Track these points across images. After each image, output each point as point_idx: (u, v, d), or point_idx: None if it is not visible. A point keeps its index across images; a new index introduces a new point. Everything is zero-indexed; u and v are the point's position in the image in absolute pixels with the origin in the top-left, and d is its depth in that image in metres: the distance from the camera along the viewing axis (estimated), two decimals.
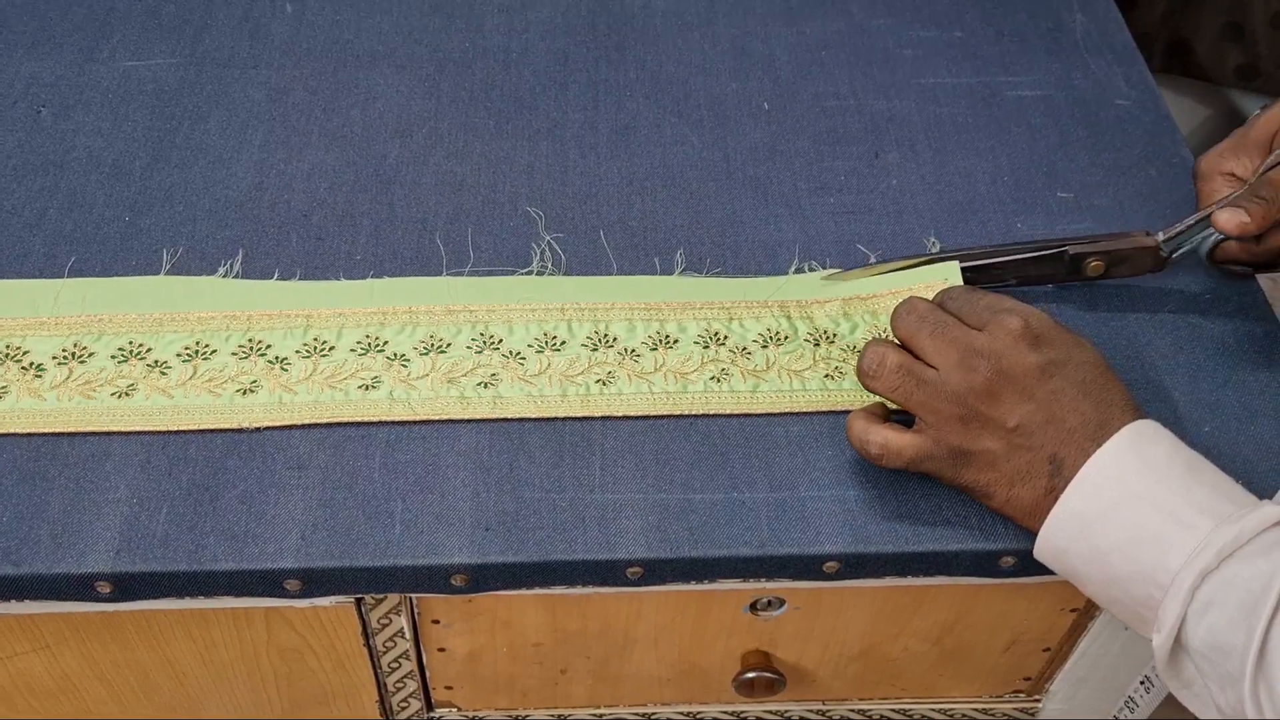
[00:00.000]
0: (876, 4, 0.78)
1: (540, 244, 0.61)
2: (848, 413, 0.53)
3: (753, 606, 0.58)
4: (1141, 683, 0.65)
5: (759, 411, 0.54)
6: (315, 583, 0.49)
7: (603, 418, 0.54)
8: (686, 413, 0.54)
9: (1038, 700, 0.67)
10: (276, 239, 0.61)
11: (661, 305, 0.57)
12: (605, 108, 0.70)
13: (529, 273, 0.60)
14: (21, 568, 0.48)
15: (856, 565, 0.51)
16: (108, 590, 0.49)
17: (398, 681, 0.61)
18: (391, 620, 0.56)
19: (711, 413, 0.54)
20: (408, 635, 0.57)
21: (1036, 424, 0.47)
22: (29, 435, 0.52)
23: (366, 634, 0.57)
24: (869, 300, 0.58)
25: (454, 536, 0.50)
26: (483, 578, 0.50)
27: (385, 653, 0.59)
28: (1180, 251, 0.58)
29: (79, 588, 0.49)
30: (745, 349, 0.56)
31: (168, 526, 0.50)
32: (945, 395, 0.49)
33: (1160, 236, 0.58)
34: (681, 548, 0.50)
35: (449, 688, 0.63)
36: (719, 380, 0.55)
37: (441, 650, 0.60)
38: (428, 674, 0.61)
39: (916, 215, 0.64)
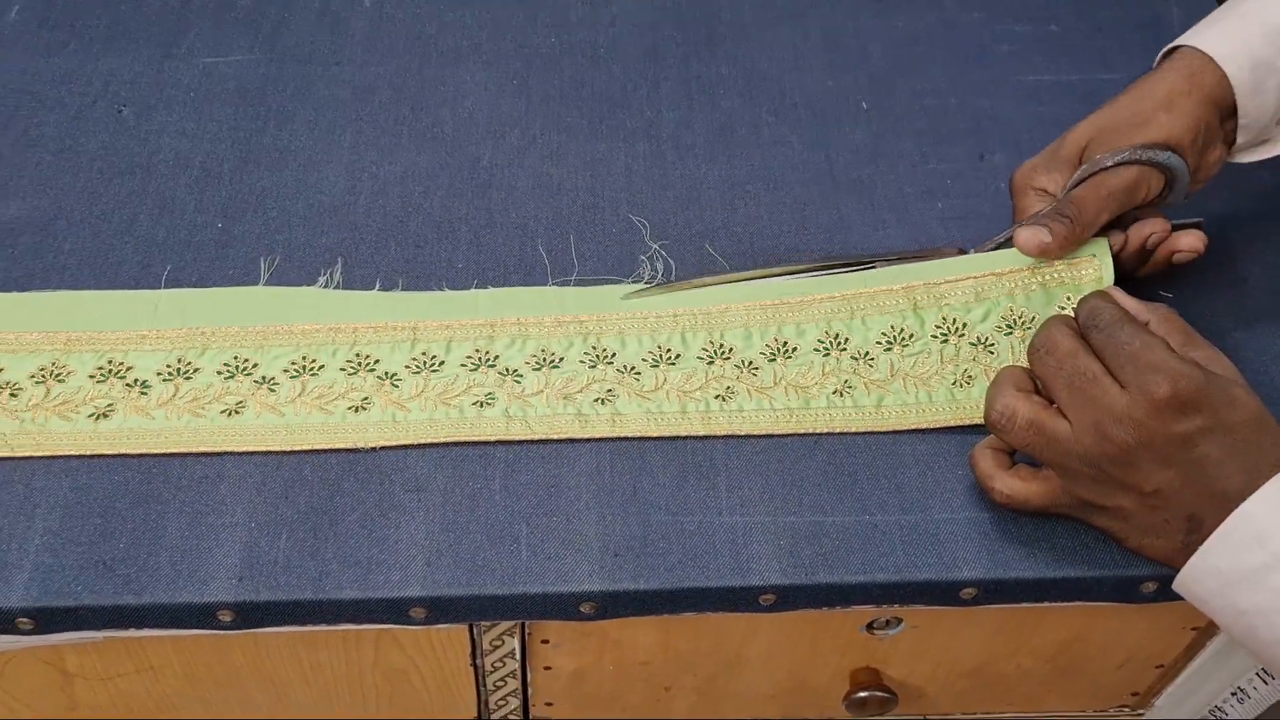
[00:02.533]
0: None
1: (646, 252, 0.60)
2: (976, 427, 0.51)
3: (869, 626, 0.56)
4: (1234, 693, 0.64)
5: (884, 429, 0.52)
6: (441, 611, 0.48)
7: (725, 436, 0.52)
8: (810, 431, 0.52)
9: (1141, 714, 0.66)
10: (375, 246, 0.59)
11: (779, 303, 0.55)
12: (700, 106, 0.68)
13: (637, 281, 0.58)
14: (143, 597, 0.47)
15: (995, 591, 0.49)
16: (229, 619, 0.47)
17: (500, 699, 0.60)
18: (504, 641, 0.55)
19: (836, 430, 0.52)
20: (517, 656, 0.56)
21: (1175, 488, 0.45)
22: (140, 456, 0.50)
23: (475, 654, 0.56)
24: (1004, 277, 0.54)
25: (583, 563, 0.48)
26: (613, 605, 0.48)
27: (492, 672, 0.58)
28: None
29: (201, 617, 0.47)
30: (868, 354, 0.53)
31: (289, 552, 0.48)
32: (1077, 455, 0.46)
33: (970, 253, 0.56)
34: (816, 573, 0.49)
35: (549, 704, 0.62)
36: (841, 394, 0.53)
37: (547, 669, 0.58)
38: (530, 691, 0.60)
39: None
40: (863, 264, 0.56)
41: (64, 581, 0.47)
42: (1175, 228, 0.54)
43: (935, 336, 0.54)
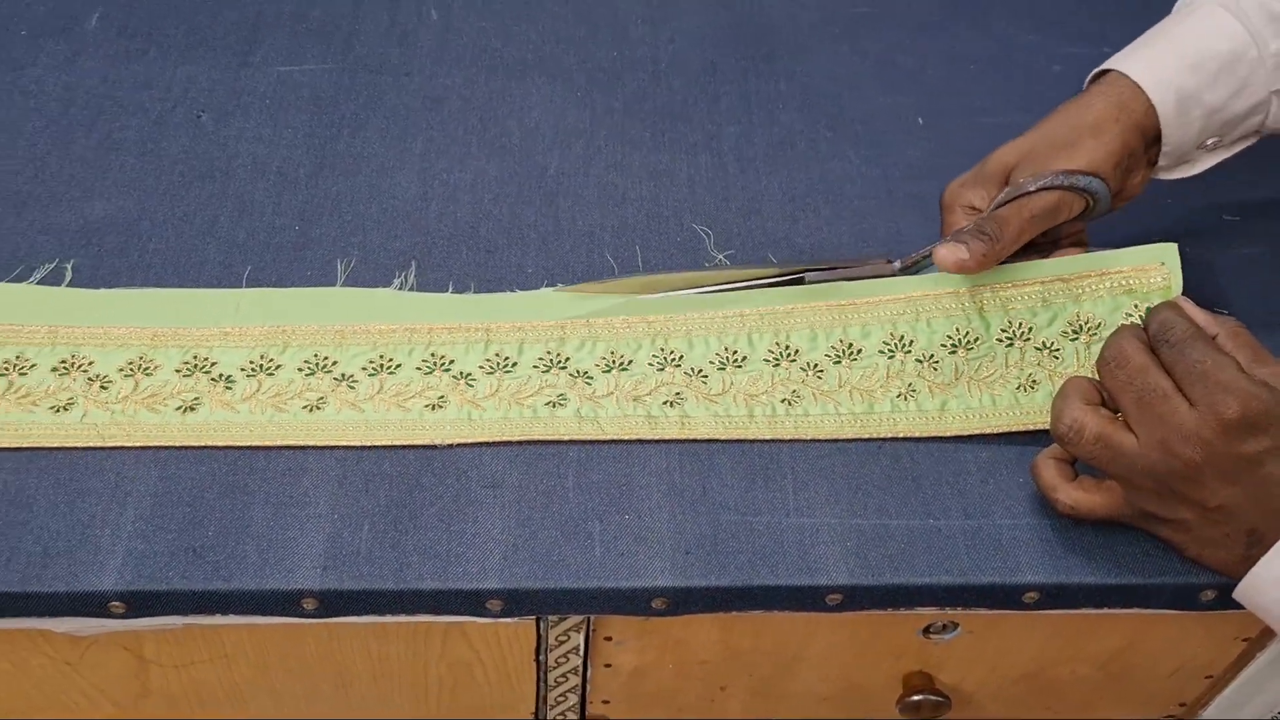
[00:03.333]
0: (1021, 18, 0.78)
1: (711, 261, 0.61)
2: (1036, 432, 0.53)
3: (925, 630, 0.57)
4: None
5: (948, 433, 0.53)
6: (517, 603, 0.49)
7: (791, 440, 0.54)
8: (874, 435, 0.54)
9: None
10: (447, 251, 0.61)
11: (845, 304, 0.55)
12: (759, 120, 0.70)
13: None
14: (231, 583, 0.48)
15: (1056, 596, 0.50)
16: (313, 606, 0.49)
17: (559, 696, 0.62)
18: (569, 637, 0.56)
19: (900, 435, 0.53)
20: (581, 652, 0.57)
21: (1239, 505, 0.46)
22: (226, 448, 0.52)
23: (540, 649, 0.57)
24: (1071, 283, 0.55)
25: (655, 559, 0.50)
26: (684, 601, 0.50)
27: (555, 668, 0.59)
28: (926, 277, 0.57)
29: (286, 604, 0.49)
30: (932, 357, 0.54)
31: (370, 544, 0.50)
32: (1142, 470, 0.47)
33: (897, 265, 0.57)
34: (882, 574, 0.50)
35: (606, 702, 0.63)
36: (905, 398, 0.54)
37: (608, 666, 0.60)
38: (588, 688, 0.61)
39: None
40: (794, 274, 0.57)
41: (155, 567, 0.48)
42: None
43: (1000, 340, 0.54)
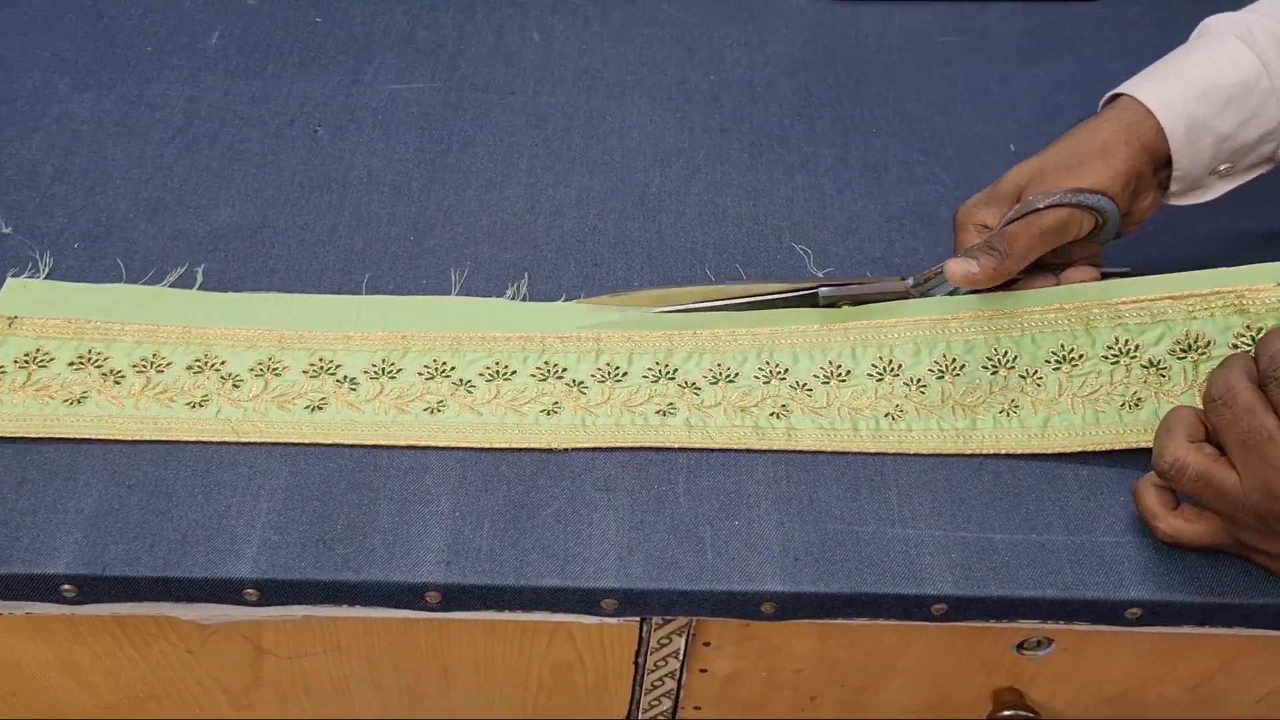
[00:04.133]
0: (1109, 47, 0.79)
1: (809, 278, 0.63)
2: (1143, 450, 0.53)
3: (1020, 645, 0.58)
4: None
5: (1050, 451, 0.54)
6: (631, 603, 0.51)
7: (895, 454, 0.55)
8: (977, 452, 0.55)
9: None
10: (555, 263, 0.63)
11: (949, 319, 0.56)
12: (854, 143, 0.71)
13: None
14: (360, 575, 0.50)
15: (1159, 613, 0.51)
16: (436, 600, 0.51)
17: (653, 700, 0.63)
18: (671, 640, 0.58)
19: (1002, 452, 0.55)
20: (680, 655, 0.59)
21: None
22: (352, 446, 0.54)
23: (640, 651, 0.59)
24: (1181, 300, 0.53)
25: (765, 564, 0.51)
26: (792, 606, 0.51)
27: (652, 671, 0.60)
28: (937, 295, 0.58)
29: (410, 596, 0.51)
30: (1036, 373, 0.55)
31: (491, 541, 0.52)
32: (1244, 508, 0.47)
33: (910, 282, 0.58)
34: (988, 586, 0.51)
35: (697, 708, 0.64)
36: (1008, 414, 0.55)
37: (703, 671, 0.61)
38: (682, 693, 0.63)
39: (1167, 266, 0.63)
40: (808, 290, 0.59)
41: (288, 557, 0.50)
42: (1105, 275, 0.57)
43: (1106, 357, 0.54)
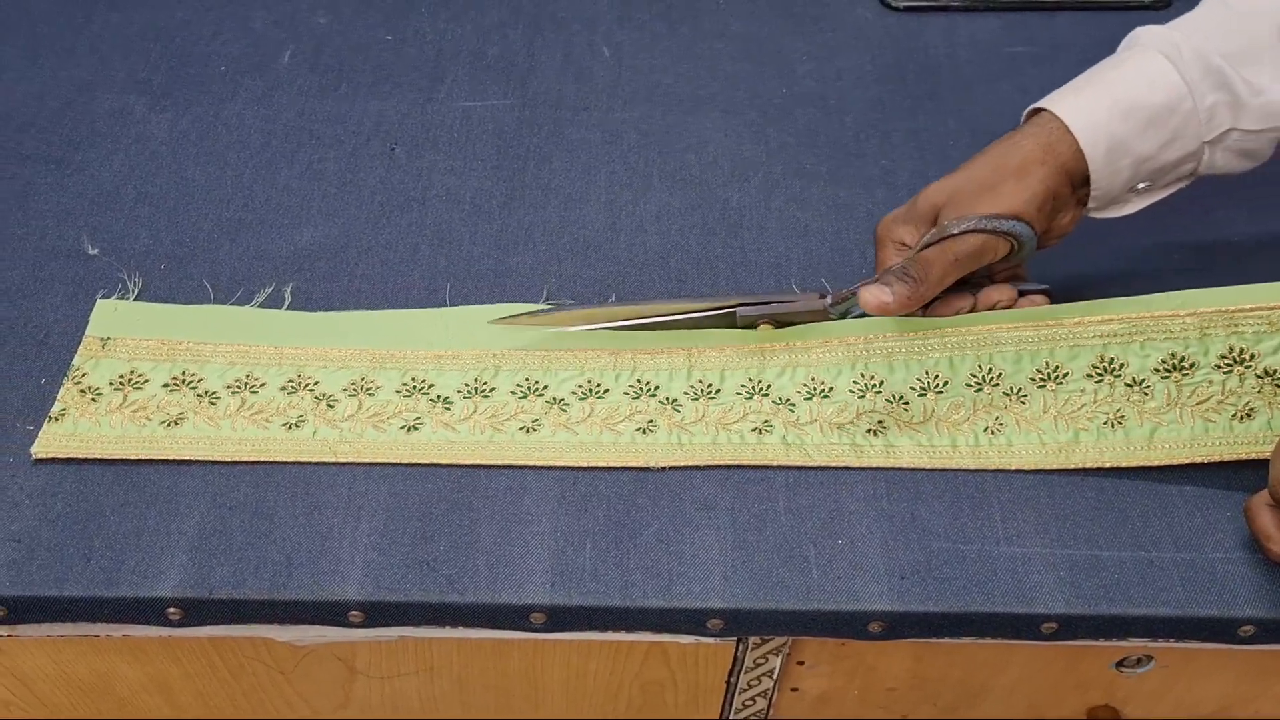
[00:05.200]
0: None
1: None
2: (1246, 463, 0.53)
3: (1119, 663, 0.58)
4: None
5: (1157, 463, 0.53)
6: (738, 623, 0.51)
7: (997, 471, 0.54)
8: (1081, 466, 0.54)
9: None
10: (640, 280, 0.63)
11: (1054, 325, 0.55)
12: (932, 157, 0.71)
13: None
14: (466, 596, 0.50)
15: (1273, 631, 0.50)
16: (541, 621, 0.50)
17: (742, 718, 0.62)
18: (767, 660, 0.57)
19: (1107, 466, 0.54)
20: (775, 674, 0.58)
21: None
22: (449, 466, 0.54)
23: (734, 671, 0.58)
24: None
25: (872, 584, 0.51)
26: (900, 625, 0.51)
27: (744, 690, 0.60)
28: (855, 314, 0.57)
29: (515, 618, 0.50)
30: (1143, 382, 0.54)
31: (594, 561, 0.51)
32: None
33: (829, 300, 0.57)
34: (1099, 605, 0.50)
35: None
36: (1113, 426, 0.54)
37: (794, 690, 0.61)
38: (771, 712, 0.62)
39: (1243, 275, 0.62)
40: (726, 309, 0.58)
41: (393, 579, 0.50)
42: (1023, 293, 0.56)
43: (1219, 366, 0.53)
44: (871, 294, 0.53)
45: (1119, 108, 0.54)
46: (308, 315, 0.60)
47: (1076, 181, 0.55)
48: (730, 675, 0.59)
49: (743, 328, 0.58)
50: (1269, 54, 0.53)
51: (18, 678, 0.58)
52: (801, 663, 0.58)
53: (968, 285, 0.57)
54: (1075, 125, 0.54)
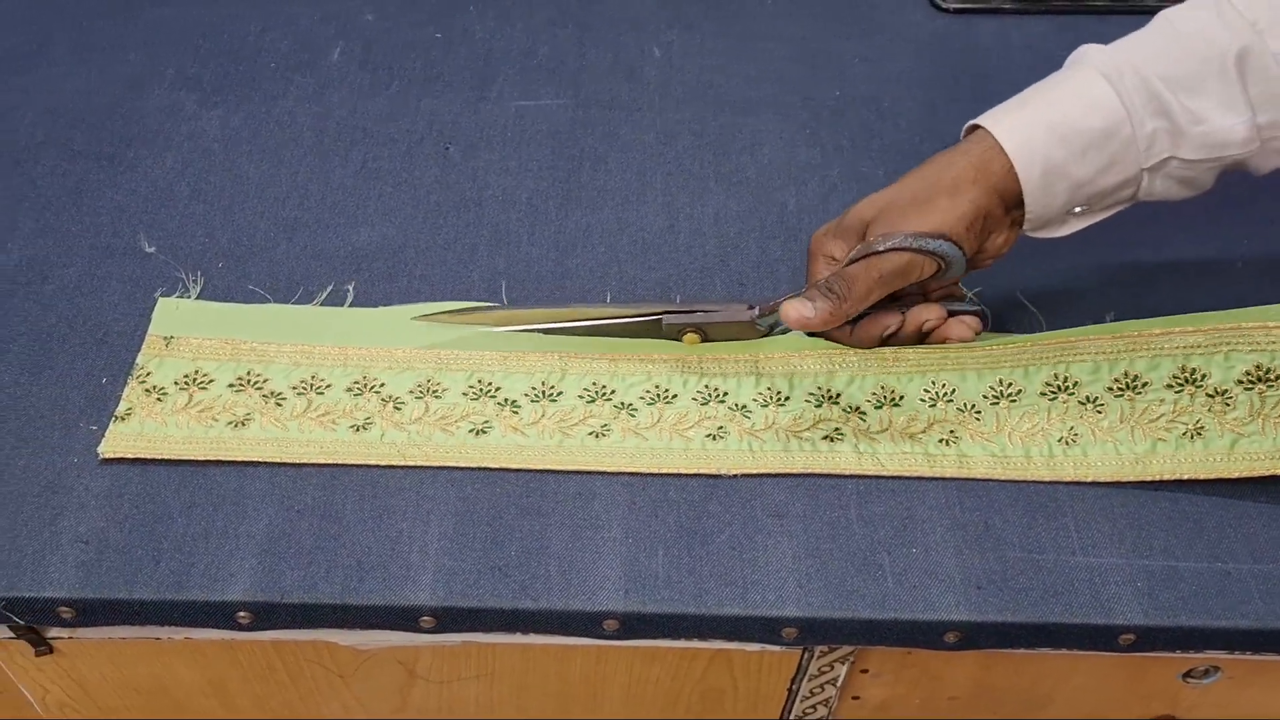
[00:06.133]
0: None
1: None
2: None
3: (1186, 673, 0.57)
4: None
5: (1235, 475, 0.53)
6: (812, 632, 0.50)
7: (1071, 483, 0.54)
8: (1158, 477, 0.53)
9: None
10: (700, 283, 0.63)
11: (1135, 335, 0.54)
12: None
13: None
14: (539, 603, 0.49)
15: None
16: (614, 628, 0.50)
17: None
18: (833, 668, 0.57)
19: (1184, 478, 0.53)
20: (839, 683, 0.58)
21: None
22: (517, 470, 0.54)
23: (795, 678, 0.58)
24: None
25: (948, 593, 0.50)
26: (976, 636, 0.50)
27: (805, 699, 0.59)
28: (781, 326, 0.57)
29: (589, 624, 0.50)
30: (1225, 393, 0.52)
31: (667, 568, 0.51)
32: None
33: (756, 311, 0.56)
34: (1177, 616, 0.50)
35: None
36: (1192, 437, 0.53)
37: (855, 699, 0.60)
38: (831, 719, 0.62)
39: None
40: (652, 316, 0.57)
41: (465, 584, 0.50)
42: (954, 313, 0.56)
43: None
44: (793, 308, 0.52)
45: (1056, 131, 0.53)
46: (370, 312, 0.59)
47: (1010, 202, 0.54)
48: (792, 682, 0.58)
49: (668, 336, 0.57)
50: (1211, 84, 0.52)
51: (75, 680, 0.57)
52: (865, 670, 0.58)
53: (898, 303, 0.56)
54: (1010, 146, 0.53)
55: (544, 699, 0.60)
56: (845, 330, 0.56)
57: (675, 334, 0.58)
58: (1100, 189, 0.54)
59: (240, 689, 0.58)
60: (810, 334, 0.57)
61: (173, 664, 0.56)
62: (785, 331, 0.58)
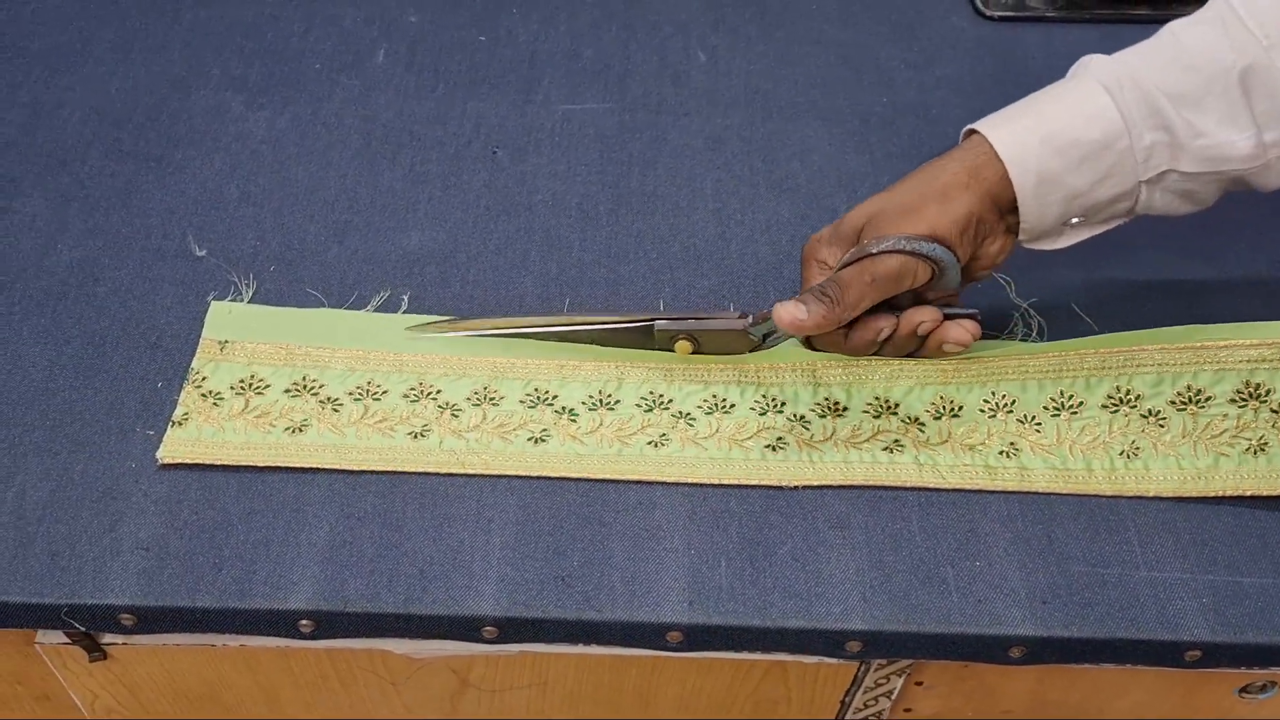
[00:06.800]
0: None
1: (1016, 308, 0.61)
2: None
3: (1243, 689, 0.57)
4: None
5: None
6: (877, 645, 0.50)
7: (1133, 497, 0.53)
8: (1220, 493, 0.53)
9: None
10: (755, 291, 0.62)
11: (1199, 347, 0.53)
12: None
13: (1010, 336, 0.60)
14: (603, 614, 0.49)
15: None
16: (678, 640, 0.50)
17: None
18: (889, 680, 0.56)
19: (1247, 493, 0.53)
20: (894, 695, 0.58)
21: None
22: (578, 480, 0.53)
23: (851, 691, 0.58)
24: None
25: (1013, 608, 0.50)
26: (1042, 651, 0.50)
27: (858, 711, 0.59)
28: (774, 335, 0.56)
29: (652, 636, 0.50)
30: None
31: (731, 580, 0.50)
32: None
33: (750, 320, 0.56)
34: (1244, 632, 0.49)
35: None
36: (1255, 453, 0.53)
37: (907, 710, 0.60)
38: None
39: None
40: (643, 321, 0.57)
41: (529, 594, 0.49)
42: (950, 316, 0.55)
43: None
44: (786, 310, 0.52)
45: (1053, 142, 0.52)
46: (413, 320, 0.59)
47: (1004, 208, 0.54)
48: (846, 694, 0.58)
49: (660, 342, 0.57)
50: (1215, 100, 0.52)
51: (126, 685, 0.57)
52: (920, 683, 0.57)
53: (895, 308, 0.55)
54: (1006, 155, 0.53)
55: (594, 708, 0.60)
56: (840, 335, 0.55)
57: (667, 341, 0.57)
58: (1096, 200, 0.54)
59: (291, 695, 0.58)
60: (805, 342, 0.57)
61: (225, 670, 0.56)
62: (779, 340, 0.57)
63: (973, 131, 0.55)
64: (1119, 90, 0.52)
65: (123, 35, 0.75)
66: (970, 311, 0.55)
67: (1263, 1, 0.52)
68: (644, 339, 0.57)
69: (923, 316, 0.54)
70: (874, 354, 0.56)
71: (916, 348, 0.56)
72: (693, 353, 0.57)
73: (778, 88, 0.75)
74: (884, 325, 0.54)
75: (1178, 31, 0.54)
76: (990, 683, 0.57)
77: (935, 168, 0.54)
